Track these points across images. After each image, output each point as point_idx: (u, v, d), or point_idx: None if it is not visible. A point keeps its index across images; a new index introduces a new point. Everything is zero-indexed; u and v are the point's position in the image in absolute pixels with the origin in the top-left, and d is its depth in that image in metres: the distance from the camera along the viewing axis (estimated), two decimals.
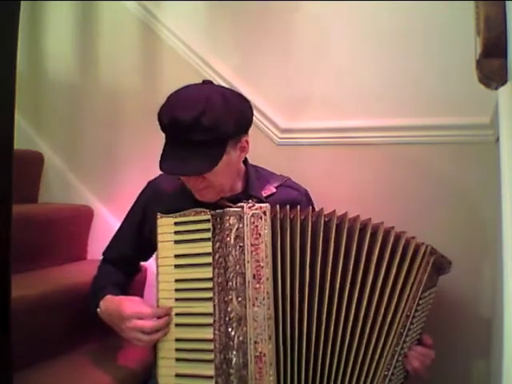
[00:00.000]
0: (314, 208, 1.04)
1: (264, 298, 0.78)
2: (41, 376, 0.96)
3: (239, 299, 0.78)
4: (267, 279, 0.78)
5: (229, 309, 0.79)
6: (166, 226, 0.84)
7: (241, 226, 0.79)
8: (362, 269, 0.80)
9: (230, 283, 0.79)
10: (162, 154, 0.84)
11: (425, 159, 1.11)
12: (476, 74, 0.70)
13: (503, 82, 0.65)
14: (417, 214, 1.10)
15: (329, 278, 0.79)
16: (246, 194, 0.94)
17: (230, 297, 0.79)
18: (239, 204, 0.81)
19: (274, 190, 0.98)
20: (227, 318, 0.79)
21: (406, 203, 1.13)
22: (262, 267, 0.78)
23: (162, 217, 0.84)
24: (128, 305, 0.84)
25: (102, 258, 1.07)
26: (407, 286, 0.81)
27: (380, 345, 0.80)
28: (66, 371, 0.99)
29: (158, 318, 0.82)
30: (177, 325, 0.82)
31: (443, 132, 1.09)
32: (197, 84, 0.89)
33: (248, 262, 0.78)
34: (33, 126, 1.66)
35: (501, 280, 0.58)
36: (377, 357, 0.80)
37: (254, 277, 0.78)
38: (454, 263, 1.04)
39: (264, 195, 0.96)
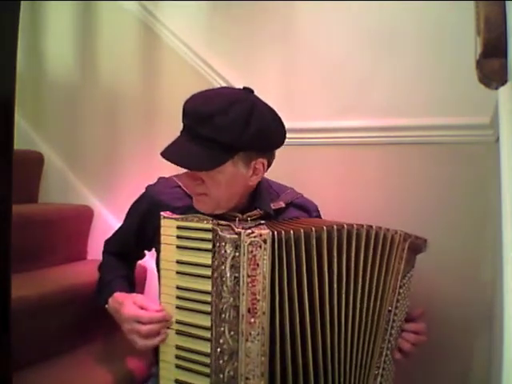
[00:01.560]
0: None
1: (258, 334, 0.73)
2: (40, 376, 0.96)
3: (231, 333, 0.74)
4: (263, 313, 0.73)
5: (221, 340, 0.74)
6: (169, 227, 0.81)
7: (237, 254, 0.73)
8: (352, 282, 0.79)
9: (223, 315, 0.74)
10: (172, 143, 0.83)
11: (424, 159, 1.11)
12: (476, 73, 0.70)
13: (503, 81, 0.65)
14: (416, 214, 1.10)
15: (327, 307, 0.77)
16: (254, 208, 0.90)
17: (223, 329, 0.74)
18: (237, 230, 0.74)
19: (283, 205, 0.94)
20: (219, 349, 0.75)
21: (405, 203, 1.13)
22: (259, 300, 0.73)
23: (165, 217, 0.82)
24: (128, 307, 0.83)
25: (104, 248, 1.07)
26: (387, 281, 0.80)
27: (370, 353, 0.80)
28: (66, 371, 1.00)
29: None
30: (177, 332, 0.80)
31: (443, 132, 1.09)
32: (237, 88, 0.88)
33: (243, 294, 0.73)
34: (33, 126, 1.66)
35: (501, 280, 0.58)
36: (368, 366, 0.80)
37: (248, 310, 0.73)
38: (454, 263, 1.04)
39: (273, 208, 0.92)
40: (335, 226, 0.78)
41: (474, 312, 1.06)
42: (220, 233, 0.75)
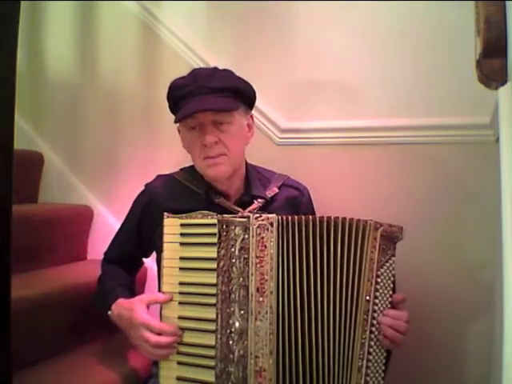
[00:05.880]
0: (312, 206, 1.05)
1: (267, 312, 0.76)
2: (40, 376, 0.96)
3: (241, 312, 0.77)
4: (271, 293, 0.76)
5: (231, 321, 0.77)
6: (172, 226, 0.82)
7: (246, 237, 0.77)
8: (332, 271, 0.80)
9: (233, 295, 0.77)
10: (180, 110, 0.91)
11: (424, 159, 1.11)
12: (476, 73, 0.70)
13: (503, 81, 0.65)
14: (415, 213, 1.10)
15: (313, 292, 0.79)
16: (249, 195, 0.96)
17: (233, 309, 0.77)
18: (245, 214, 0.79)
19: (277, 191, 1.00)
20: (228, 331, 0.77)
21: (404, 202, 1.13)
22: (267, 280, 0.76)
23: (168, 217, 0.83)
24: (139, 313, 0.82)
25: (103, 257, 1.07)
26: (362, 270, 0.80)
27: (350, 342, 0.79)
28: (66, 371, 0.99)
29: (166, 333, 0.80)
30: (179, 328, 0.81)
31: (443, 132, 1.09)
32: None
33: (252, 274, 0.77)
34: (33, 126, 1.66)
35: (501, 281, 0.58)
36: (350, 356, 0.79)
37: (257, 290, 0.76)
38: (453, 263, 1.03)
39: (268, 195, 0.97)
40: (317, 217, 0.81)
41: (474, 312, 1.06)
42: (229, 219, 0.79)
